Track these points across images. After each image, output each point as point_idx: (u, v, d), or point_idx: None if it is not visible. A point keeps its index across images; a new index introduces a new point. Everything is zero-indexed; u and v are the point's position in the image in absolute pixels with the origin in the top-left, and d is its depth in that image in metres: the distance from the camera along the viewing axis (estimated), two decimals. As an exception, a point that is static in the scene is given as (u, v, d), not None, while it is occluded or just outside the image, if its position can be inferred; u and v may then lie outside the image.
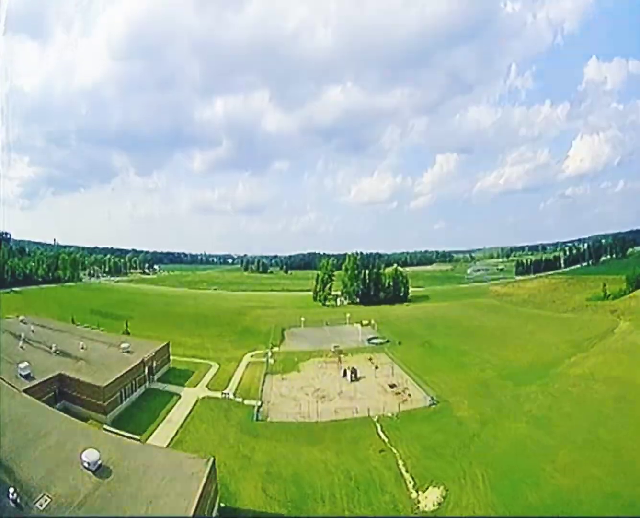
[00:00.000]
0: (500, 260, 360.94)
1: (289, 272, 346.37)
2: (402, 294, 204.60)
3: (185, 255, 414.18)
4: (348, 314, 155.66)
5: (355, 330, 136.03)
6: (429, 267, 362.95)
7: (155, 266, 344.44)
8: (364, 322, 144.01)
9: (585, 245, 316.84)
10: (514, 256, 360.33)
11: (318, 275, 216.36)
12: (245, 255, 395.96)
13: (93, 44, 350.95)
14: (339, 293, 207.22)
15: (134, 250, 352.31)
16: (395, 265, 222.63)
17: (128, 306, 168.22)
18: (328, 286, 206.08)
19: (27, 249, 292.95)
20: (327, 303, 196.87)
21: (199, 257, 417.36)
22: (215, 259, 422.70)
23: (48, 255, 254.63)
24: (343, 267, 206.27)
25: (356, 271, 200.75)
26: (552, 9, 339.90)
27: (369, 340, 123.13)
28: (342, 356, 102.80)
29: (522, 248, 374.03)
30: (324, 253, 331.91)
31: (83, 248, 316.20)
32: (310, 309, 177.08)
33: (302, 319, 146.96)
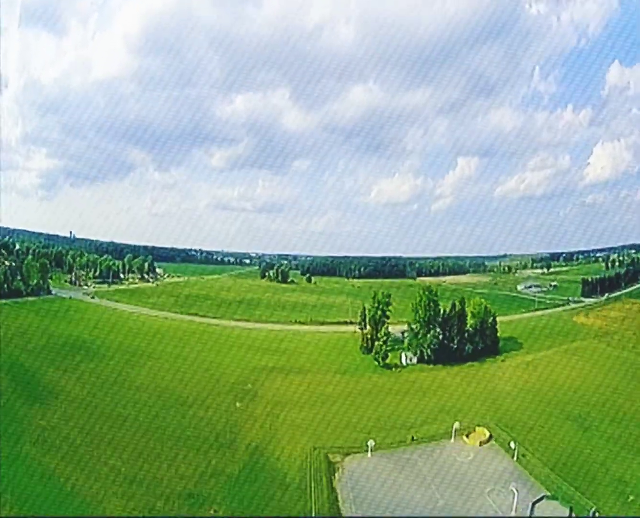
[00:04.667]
0: (539, 272, 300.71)
1: (312, 280, 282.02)
2: (490, 342, 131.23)
3: (202, 253, 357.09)
4: (456, 425, 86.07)
5: (470, 459, 76.61)
6: (463, 278, 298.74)
7: (159, 270, 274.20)
8: (481, 435, 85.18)
9: (616, 256, 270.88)
10: (554, 267, 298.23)
11: (365, 310, 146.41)
12: (262, 255, 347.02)
13: (110, 39, 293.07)
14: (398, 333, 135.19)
15: (134, 249, 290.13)
16: (477, 299, 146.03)
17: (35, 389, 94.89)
18: (384, 328, 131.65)
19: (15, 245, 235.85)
20: (386, 361, 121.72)
21: (214, 256, 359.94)
22: (231, 259, 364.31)
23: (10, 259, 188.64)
24: (412, 304, 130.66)
25: (430, 313, 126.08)
26: (576, 11, 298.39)
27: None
28: None
29: (555, 257, 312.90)
30: (345, 256, 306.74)
31: (99, 242, 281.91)
32: (363, 377, 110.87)
33: (370, 442, 76.79)
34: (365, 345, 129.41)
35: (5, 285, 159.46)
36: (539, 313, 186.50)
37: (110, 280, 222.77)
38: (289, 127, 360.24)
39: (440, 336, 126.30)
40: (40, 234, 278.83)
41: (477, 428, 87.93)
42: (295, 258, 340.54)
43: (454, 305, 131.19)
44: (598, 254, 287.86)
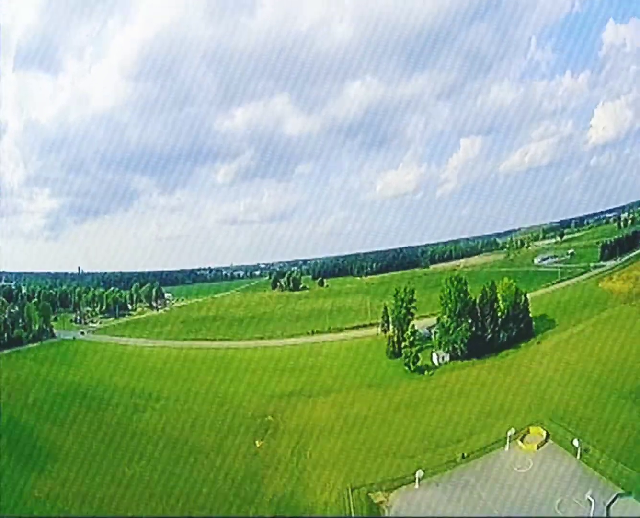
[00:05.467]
0: (553, 241, 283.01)
1: (325, 283, 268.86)
2: (523, 325, 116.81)
3: (211, 270, 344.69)
4: (511, 430, 73.33)
5: (530, 468, 66.30)
6: (477, 259, 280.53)
7: (167, 295, 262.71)
8: (537, 436, 73.33)
9: (626, 214, 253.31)
10: (567, 234, 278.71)
11: (387, 310, 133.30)
12: (272, 264, 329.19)
13: (106, 69, 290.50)
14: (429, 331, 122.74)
15: (142, 276, 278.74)
16: (506, 280, 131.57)
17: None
18: (410, 327, 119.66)
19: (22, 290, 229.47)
20: (417, 364, 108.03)
21: (224, 272, 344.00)
22: (241, 273, 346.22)
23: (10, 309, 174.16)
24: (440, 297, 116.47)
25: (460, 304, 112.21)
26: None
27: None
28: None
29: (565, 225, 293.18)
30: (356, 254, 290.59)
31: (107, 275, 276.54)
32: (395, 387, 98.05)
33: (418, 473, 64.21)
34: (392, 348, 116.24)
35: (6, 334, 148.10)
36: (562, 284, 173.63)
37: (116, 313, 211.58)
38: (291, 133, 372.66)
39: (473, 328, 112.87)
40: (48, 274, 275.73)
41: (530, 428, 75.52)
42: (305, 262, 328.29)
43: (484, 292, 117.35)
44: (608, 215, 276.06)
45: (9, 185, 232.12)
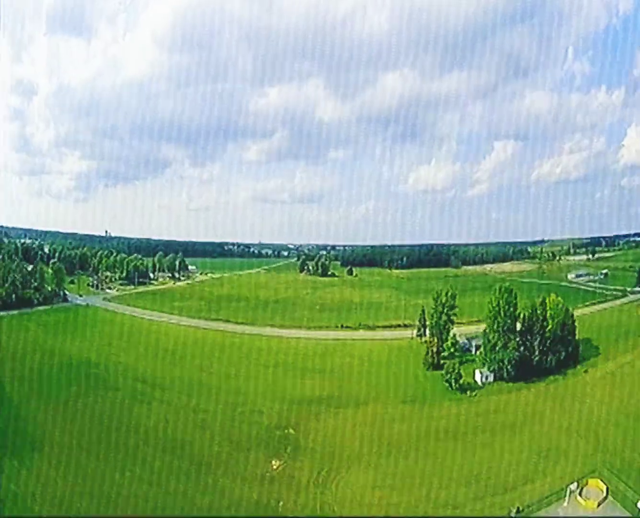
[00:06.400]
0: (584, 258, 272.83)
1: (353, 272, 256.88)
2: (571, 349, 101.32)
3: (239, 246, 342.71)
4: (572, 486, 60.91)
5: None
6: (507, 265, 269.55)
7: (192, 267, 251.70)
8: (597, 490, 60.85)
9: None
10: (599, 252, 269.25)
11: (425, 313, 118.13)
12: (300, 246, 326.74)
13: (139, 38, 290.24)
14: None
15: (169, 245, 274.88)
16: (554, 297, 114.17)
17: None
18: (451, 338, 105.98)
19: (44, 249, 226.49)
20: (460, 382, 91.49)
21: (251, 250, 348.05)
22: (269, 252, 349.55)
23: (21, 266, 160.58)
24: (487, 311, 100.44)
25: (510, 320, 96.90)
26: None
27: None
28: None
29: (594, 242, 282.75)
30: (385, 245, 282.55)
31: (133, 240, 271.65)
32: (435, 406, 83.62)
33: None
34: (430, 359, 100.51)
35: (14, 295, 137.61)
36: (599, 306, 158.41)
37: (136, 281, 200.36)
38: (324, 118, 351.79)
39: (521, 348, 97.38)
40: (75, 235, 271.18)
41: (589, 480, 62.02)
42: (333, 247, 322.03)
43: (534, 308, 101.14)
44: (638, 239, 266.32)
45: (39, 145, 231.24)
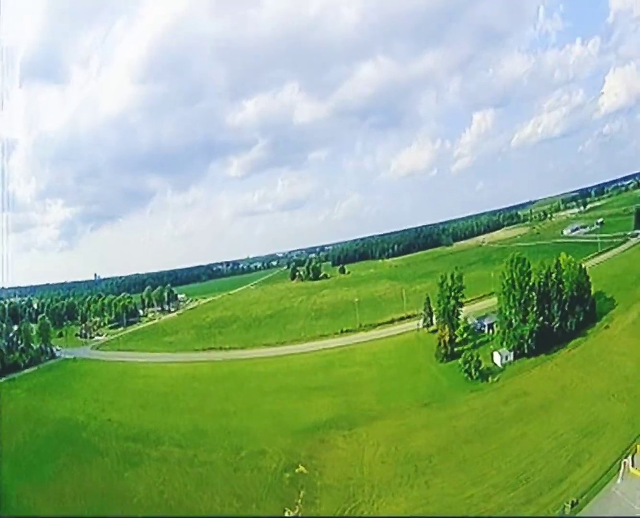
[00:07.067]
0: (576, 211, 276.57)
1: (346, 270, 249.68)
2: (588, 307, 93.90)
3: (227, 264, 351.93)
4: (626, 460, 54.08)
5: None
6: (500, 233, 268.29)
7: (181, 296, 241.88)
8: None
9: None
10: (590, 202, 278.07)
11: (430, 301, 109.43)
12: (289, 253, 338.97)
13: (113, 75, 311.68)
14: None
15: (158, 277, 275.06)
16: (564, 256, 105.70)
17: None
18: (462, 323, 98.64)
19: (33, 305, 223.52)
20: (480, 369, 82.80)
21: (241, 266, 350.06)
22: (258, 265, 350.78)
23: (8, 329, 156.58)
24: (502, 283, 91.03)
25: (526, 291, 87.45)
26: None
27: None
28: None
29: (584, 194, 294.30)
30: (375, 236, 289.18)
31: (121, 279, 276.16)
32: (458, 404, 74.79)
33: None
34: (443, 350, 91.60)
35: (0, 361, 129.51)
36: (602, 257, 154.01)
37: (125, 322, 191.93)
38: (302, 120, 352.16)
39: (540, 317, 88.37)
40: (64, 284, 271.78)
41: (638, 447, 55.68)
42: (322, 248, 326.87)
43: (548, 272, 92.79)
44: (626, 182, 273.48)
45: (22, 200, 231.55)
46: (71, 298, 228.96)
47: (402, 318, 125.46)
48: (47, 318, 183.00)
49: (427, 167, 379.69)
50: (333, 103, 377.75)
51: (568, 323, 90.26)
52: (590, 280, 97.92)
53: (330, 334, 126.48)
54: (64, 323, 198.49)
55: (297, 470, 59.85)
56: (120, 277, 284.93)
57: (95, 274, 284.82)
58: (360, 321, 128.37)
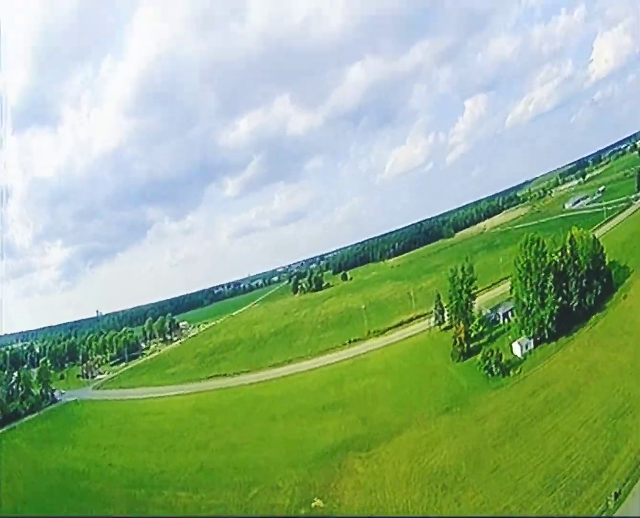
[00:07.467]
0: (576, 183, 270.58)
1: (348, 277, 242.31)
2: (604, 279, 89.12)
3: (229, 285, 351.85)
4: None
5: None
6: (501, 217, 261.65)
7: (182, 324, 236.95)
8: None
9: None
10: (589, 172, 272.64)
11: (440, 297, 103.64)
12: (290, 266, 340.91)
13: (105, 112, 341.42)
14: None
15: (160, 306, 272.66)
16: (575, 229, 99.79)
17: None
18: (477, 314, 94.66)
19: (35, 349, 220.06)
20: (501, 363, 76.42)
21: (242, 286, 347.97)
22: (259, 282, 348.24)
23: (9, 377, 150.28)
24: (515, 270, 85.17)
25: (543, 274, 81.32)
26: None
27: None
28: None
29: (582, 164, 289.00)
30: (375, 237, 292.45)
31: (123, 313, 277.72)
32: (481, 407, 68.37)
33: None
34: (459, 348, 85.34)
35: (0, 411, 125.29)
36: (609, 225, 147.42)
37: (126, 357, 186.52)
38: (296, 132, 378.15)
39: (559, 298, 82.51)
40: (65, 324, 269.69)
41: None
42: (322, 257, 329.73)
43: (563, 249, 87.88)
44: (622, 146, 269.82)
45: (21, 245, 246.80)
46: (72, 339, 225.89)
47: (411, 319, 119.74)
48: (48, 361, 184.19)
49: (423, 162, 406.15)
50: (325, 110, 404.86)
51: (586, 299, 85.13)
52: (604, 251, 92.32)
53: (338, 346, 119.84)
54: (65, 365, 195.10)
55: (313, 504, 53.74)
56: (122, 311, 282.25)
57: (97, 311, 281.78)
58: (368, 328, 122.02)
